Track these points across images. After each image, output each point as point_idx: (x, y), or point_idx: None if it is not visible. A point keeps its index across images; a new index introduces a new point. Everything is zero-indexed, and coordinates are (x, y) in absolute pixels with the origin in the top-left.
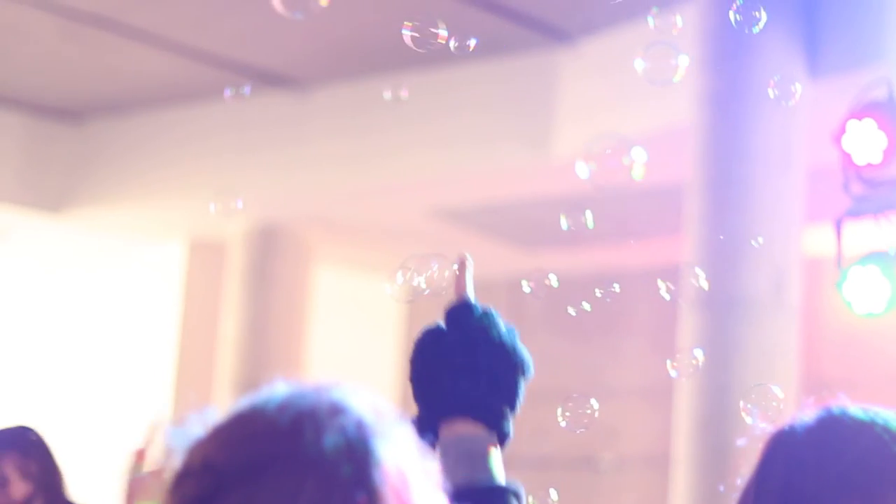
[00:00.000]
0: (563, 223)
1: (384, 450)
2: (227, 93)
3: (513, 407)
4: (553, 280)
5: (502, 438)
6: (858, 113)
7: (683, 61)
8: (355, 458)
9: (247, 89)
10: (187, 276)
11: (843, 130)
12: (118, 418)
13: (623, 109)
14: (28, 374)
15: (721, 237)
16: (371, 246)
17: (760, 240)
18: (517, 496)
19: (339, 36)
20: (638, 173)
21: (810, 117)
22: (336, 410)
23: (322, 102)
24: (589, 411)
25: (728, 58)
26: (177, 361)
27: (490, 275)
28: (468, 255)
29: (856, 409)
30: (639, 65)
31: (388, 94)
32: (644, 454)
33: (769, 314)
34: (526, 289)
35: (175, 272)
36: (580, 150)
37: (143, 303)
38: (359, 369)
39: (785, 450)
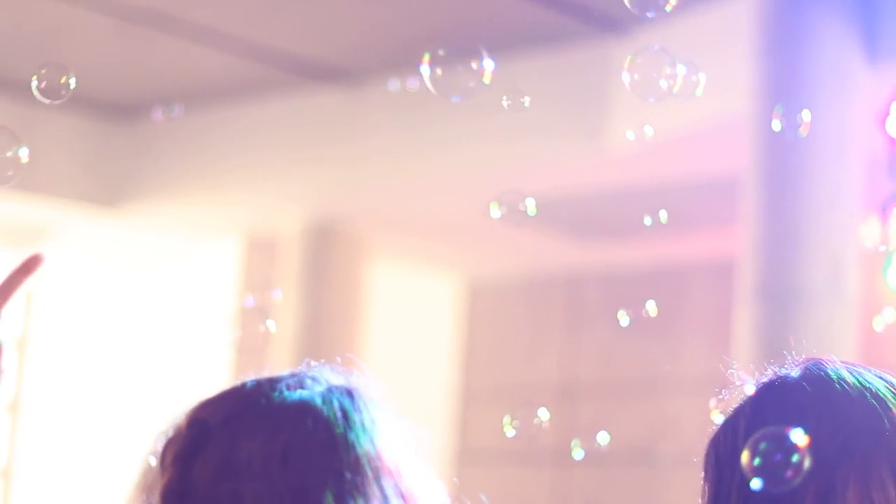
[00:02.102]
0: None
1: (359, 407)
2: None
3: None
4: (530, 206)
5: None
6: None
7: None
8: (326, 406)
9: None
10: (242, 273)
11: (887, 113)
12: (173, 416)
13: (679, 101)
14: (84, 370)
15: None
16: (428, 240)
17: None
18: None
19: (395, 29)
20: None
21: (868, 105)
22: (306, 374)
23: (377, 97)
24: (536, 421)
25: (784, 46)
26: (232, 358)
27: (547, 269)
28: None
29: (845, 372)
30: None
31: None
32: (703, 448)
33: (826, 305)
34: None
35: (230, 268)
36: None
37: (198, 299)
38: (417, 365)
39: (780, 412)
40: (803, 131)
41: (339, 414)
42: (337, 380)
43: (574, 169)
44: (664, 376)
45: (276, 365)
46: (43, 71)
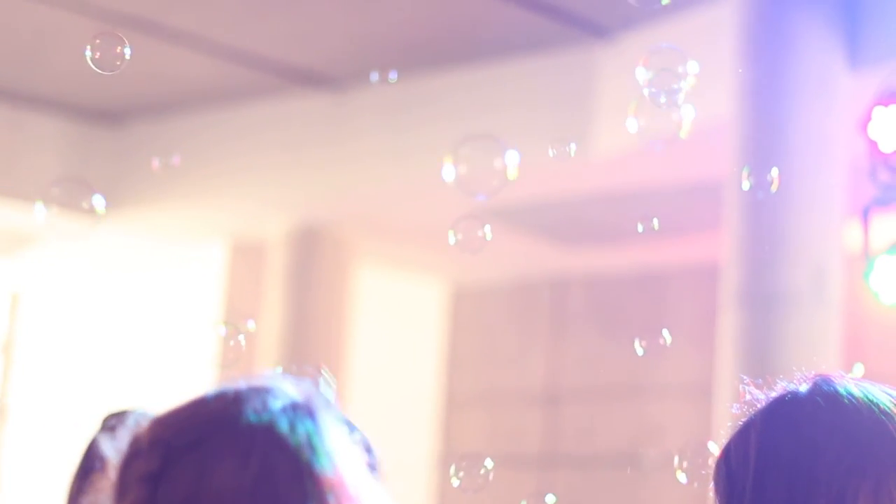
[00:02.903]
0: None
1: (319, 429)
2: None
3: None
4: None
5: None
6: (885, 100)
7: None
8: (293, 434)
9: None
10: (227, 277)
11: (869, 118)
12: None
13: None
14: (71, 376)
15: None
16: (412, 245)
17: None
18: None
19: (378, 35)
20: None
21: (850, 110)
22: (269, 391)
23: (361, 102)
24: (483, 472)
25: (767, 51)
26: (218, 362)
27: (532, 274)
28: None
29: (853, 387)
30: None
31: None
32: (687, 452)
33: (809, 309)
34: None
35: (216, 273)
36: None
37: (184, 304)
38: (401, 369)
39: (791, 426)
40: (774, 188)
41: (304, 440)
42: (295, 394)
43: (558, 173)
44: (649, 380)
45: (263, 368)
46: (97, 41)
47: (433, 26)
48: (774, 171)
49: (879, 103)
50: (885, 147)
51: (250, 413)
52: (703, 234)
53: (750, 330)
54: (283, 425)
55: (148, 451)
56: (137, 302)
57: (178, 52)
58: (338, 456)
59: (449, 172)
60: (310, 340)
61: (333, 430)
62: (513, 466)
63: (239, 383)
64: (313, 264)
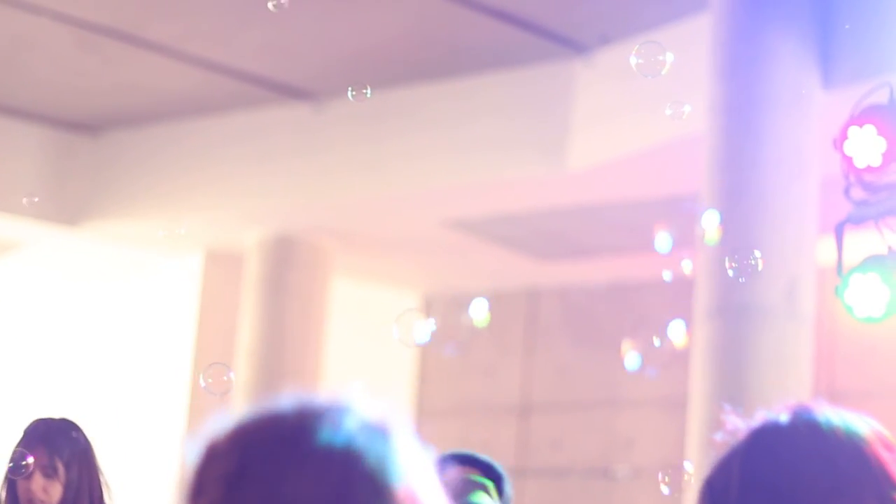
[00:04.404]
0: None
1: (393, 448)
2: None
3: None
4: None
5: None
6: (859, 119)
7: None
8: (369, 453)
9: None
10: (204, 287)
11: (844, 136)
12: (135, 429)
13: (637, 119)
14: (45, 387)
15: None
16: (387, 256)
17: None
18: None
19: (355, 47)
20: None
21: (823, 127)
22: (347, 411)
23: (338, 113)
24: None
25: (742, 67)
26: (193, 372)
27: (506, 285)
28: None
29: (831, 415)
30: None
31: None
32: (659, 464)
33: (782, 323)
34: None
35: (192, 283)
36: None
37: (160, 314)
38: (374, 379)
39: (772, 454)
40: (760, 268)
41: (378, 460)
42: (372, 413)
43: (533, 186)
44: (622, 393)
45: (238, 377)
46: None
47: (411, 41)
48: (757, 253)
49: (854, 123)
50: (859, 163)
51: (328, 430)
52: (677, 248)
53: (723, 343)
54: (359, 445)
55: (226, 454)
56: (113, 312)
57: (156, 63)
58: (412, 476)
59: (422, 330)
60: (285, 349)
61: (408, 451)
62: None
63: (317, 398)
64: (289, 273)
